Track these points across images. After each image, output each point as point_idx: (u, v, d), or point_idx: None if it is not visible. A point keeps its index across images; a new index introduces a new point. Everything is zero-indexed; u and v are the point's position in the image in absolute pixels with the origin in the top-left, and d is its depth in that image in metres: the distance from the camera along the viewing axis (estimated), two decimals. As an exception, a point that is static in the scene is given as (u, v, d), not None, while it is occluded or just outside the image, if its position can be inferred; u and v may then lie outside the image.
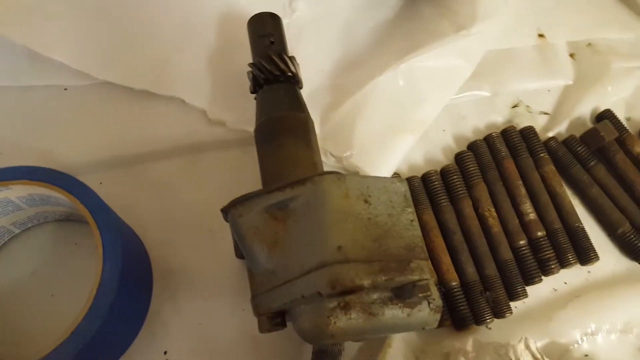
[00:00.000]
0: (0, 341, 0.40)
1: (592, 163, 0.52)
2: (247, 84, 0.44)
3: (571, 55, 0.60)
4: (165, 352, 0.41)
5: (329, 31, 0.55)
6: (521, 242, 0.47)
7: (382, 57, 0.51)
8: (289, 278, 0.33)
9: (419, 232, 0.36)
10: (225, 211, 0.37)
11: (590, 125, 0.56)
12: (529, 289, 0.46)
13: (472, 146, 0.52)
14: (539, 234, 0.47)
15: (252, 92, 0.44)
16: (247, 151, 0.49)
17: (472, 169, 0.49)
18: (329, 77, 0.53)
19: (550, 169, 0.51)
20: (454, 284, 0.44)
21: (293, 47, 0.51)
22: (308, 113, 0.42)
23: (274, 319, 0.35)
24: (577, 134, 0.54)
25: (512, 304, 0.45)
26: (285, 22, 0.48)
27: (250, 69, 0.44)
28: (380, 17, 0.57)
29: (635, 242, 0.49)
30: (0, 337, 0.40)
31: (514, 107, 0.56)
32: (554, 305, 0.46)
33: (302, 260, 0.33)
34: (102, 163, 0.48)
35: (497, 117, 0.56)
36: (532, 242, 0.47)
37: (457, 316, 0.44)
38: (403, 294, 0.33)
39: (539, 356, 0.40)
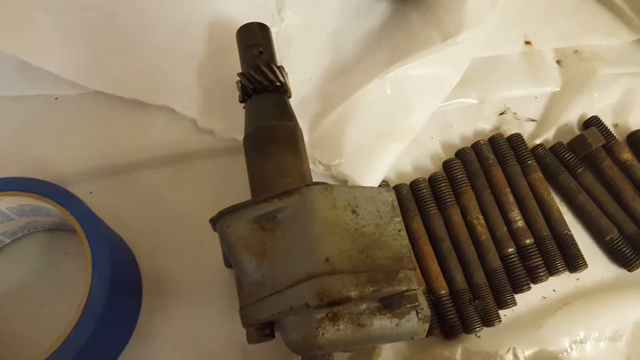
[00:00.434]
0: (-11, 351, 0.40)
1: (579, 170, 0.52)
2: (236, 93, 0.45)
3: (558, 62, 0.60)
4: (154, 362, 0.41)
5: (318, 40, 0.56)
6: (510, 250, 0.47)
7: (370, 66, 0.52)
8: (277, 289, 0.33)
9: (406, 241, 0.36)
10: (214, 222, 0.37)
11: (577, 132, 0.56)
12: (518, 297, 0.46)
13: (460, 154, 0.52)
14: (528, 241, 0.48)
15: (241, 102, 0.44)
16: (236, 159, 0.49)
17: (460, 176, 0.50)
18: (317, 86, 0.53)
19: (538, 176, 0.51)
20: (442, 292, 0.44)
21: (282, 55, 0.51)
22: (297, 122, 0.43)
23: (262, 330, 0.35)
24: (565, 141, 0.54)
25: (501, 312, 0.45)
26: (274, 31, 0.48)
27: (239, 79, 0.44)
28: (367, 26, 0.57)
29: (624, 249, 0.49)
30: (-10, 348, 0.40)
31: (501, 114, 0.57)
32: (543, 313, 0.46)
33: (290, 271, 0.33)
34: (93, 172, 0.48)
35: (484, 124, 0.56)
36: (521, 250, 0.48)
37: (446, 325, 0.44)
38: (391, 304, 0.33)
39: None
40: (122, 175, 0.48)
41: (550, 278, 0.48)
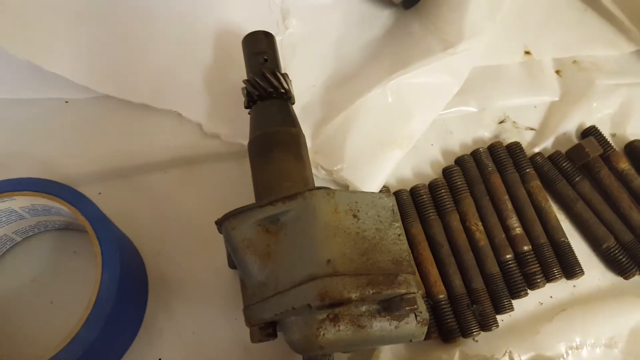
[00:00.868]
0: (0, 347, 0.41)
1: (577, 179, 0.53)
2: (241, 99, 0.46)
3: (557, 72, 0.61)
4: (159, 359, 0.42)
5: (321, 48, 0.57)
6: (507, 256, 0.48)
7: (372, 74, 0.53)
8: (280, 290, 0.34)
9: (406, 246, 0.37)
10: (220, 223, 0.38)
11: (575, 141, 0.57)
12: (515, 302, 0.47)
13: (460, 161, 0.53)
14: (525, 248, 0.48)
15: (246, 108, 0.45)
16: (240, 163, 0.50)
17: (459, 183, 0.51)
18: (320, 93, 0.54)
19: (536, 184, 0.52)
20: (441, 296, 0.45)
21: (286, 63, 0.52)
22: (300, 128, 0.44)
23: (265, 329, 0.35)
24: (563, 149, 0.55)
25: (499, 317, 0.46)
26: (278, 39, 0.49)
27: (244, 86, 0.45)
28: (370, 35, 0.58)
29: (620, 257, 0.50)
30: (0, 343, 0.41)
31: (500, 122, 0.57)
32: (540, 319, 0.47)
33: (293, 272, 0.34)
34: (101, 174, 0.49)
35: (484, 132, 0.57)
36: (518, 256, 0.48)
37: (444, 329, 0.45)
38: (391, 306, 0.34)
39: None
40: (130, 178, 0.49)
41: (547, 284, 0.48)
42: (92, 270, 0.38)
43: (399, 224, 0.38)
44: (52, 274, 0.44)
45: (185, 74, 0.52)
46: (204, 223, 0.44)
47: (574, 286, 0.50)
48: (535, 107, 0.59)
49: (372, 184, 0.49)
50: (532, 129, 0.58)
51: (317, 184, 0.45)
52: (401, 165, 0.52)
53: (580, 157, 0.53)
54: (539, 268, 0.48)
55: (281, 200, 0.35)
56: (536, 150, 0.55)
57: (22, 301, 0.43)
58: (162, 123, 0.51)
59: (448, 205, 0.49)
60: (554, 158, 0.54)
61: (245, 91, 0.45)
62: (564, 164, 0.53)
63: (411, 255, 0.37)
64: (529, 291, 0.48)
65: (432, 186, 0.51)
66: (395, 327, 0.35)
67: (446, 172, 0.52)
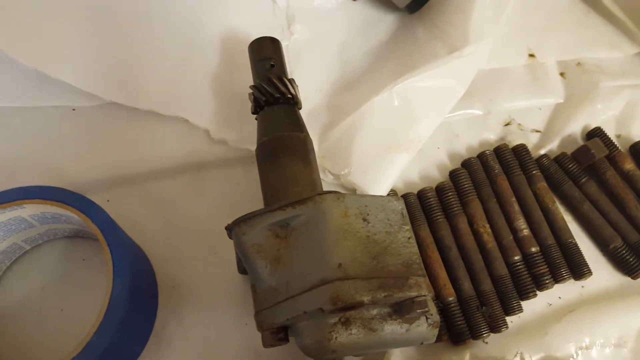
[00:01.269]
0: (10, 355, 0.41)
1: (583, 180, 0.53)
2: (248, 105, 0.46)
3: (561, 74, 0.61)
4: (170, 366, 0.42)
5: (327, 53, 0.57)
6: (516, 258, 0.48)
7: (378, 78, 0.53)
8: (291, 294, 0.34)
9: (416, 249, 0.37)
10: (230, 229, 0.38)
11: (581, 142, 0.57)
12: (524, 303, 0.47)
13: (466, 163, 0.53)
14: (533, 249, 0.48)
15: (253, 113, 0.46)
16: (248, 169, 0.50)
17: (466, 186, 0.51)
18: (327, 98, 0.54)
19: (542, 185, 0.52)
20: (450, 299, 0.45)
21: (292, 68, 0.53)
22: (307, 133, 0.44)
23: (277, 334, 0.35)
24: (568, 151, 0.55)
25: (508, 319, 0.46)
26: (284, 44, 0.49)
27: (251, 91, 0.45)
28: (375, 40, 0.58)
29: (627, 257, 0.50)
30: (11, 351, 0.41)
31: (506, 125, 0.58)
32: (549, 320, 0.47)
33: (304, 277, 0.34)
34: (109, 181, 0.49)
35: (489, 135, 0.57)
36: (527, 258, 0.48)
37: (454, 331, 0.45)
38: (402, 309, 0.34)
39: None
40: (138, 184, 0.49)
41: (556, 285, 0.48)
42: (102, 277, 0.38)
43: (408, 227, 0.38)
44: (62, 282, 0.44)
45: (191, 81, 0.52)
46: (213, 228, 0.45)
47: (582, 287, 0.50)
48: (540, 109, 0.59)
49: (379, 188, 0.49)
50: (537, 131, 0.58)
51: (324, 188, 0.45)
52: (408, 169, 0.52)
53: (586, 159, 0.54)
54: (547, 269, 0.48)
55: (291, 205, 0.36)
56: (542, 152, 0.56)
57: (33, 309, 0.43)
58: (170, 129, 0.52)
59: (455, 208, 0.49)
60: (559, 160, 0.54)
61: (253, 97, 0.45)
62: (570, 166, 0.53)
63: (421, 257, 0.37)
64: (537, 292, 0.48)
65: (440, 189, 0.51)
66: (407, 330, 0.35)
67: (453, 175, 0.52)
